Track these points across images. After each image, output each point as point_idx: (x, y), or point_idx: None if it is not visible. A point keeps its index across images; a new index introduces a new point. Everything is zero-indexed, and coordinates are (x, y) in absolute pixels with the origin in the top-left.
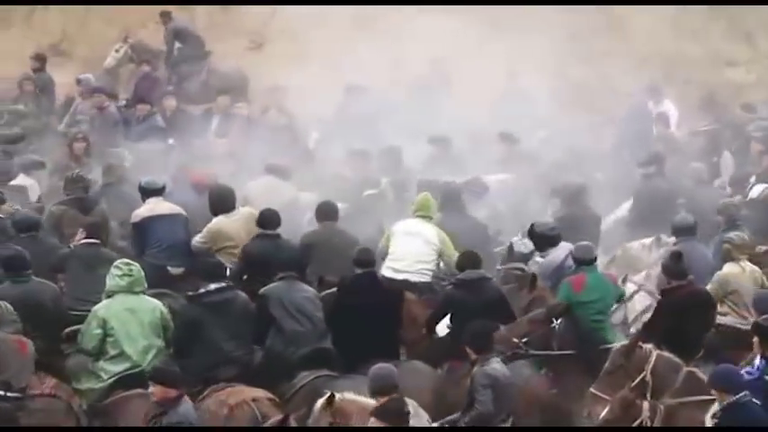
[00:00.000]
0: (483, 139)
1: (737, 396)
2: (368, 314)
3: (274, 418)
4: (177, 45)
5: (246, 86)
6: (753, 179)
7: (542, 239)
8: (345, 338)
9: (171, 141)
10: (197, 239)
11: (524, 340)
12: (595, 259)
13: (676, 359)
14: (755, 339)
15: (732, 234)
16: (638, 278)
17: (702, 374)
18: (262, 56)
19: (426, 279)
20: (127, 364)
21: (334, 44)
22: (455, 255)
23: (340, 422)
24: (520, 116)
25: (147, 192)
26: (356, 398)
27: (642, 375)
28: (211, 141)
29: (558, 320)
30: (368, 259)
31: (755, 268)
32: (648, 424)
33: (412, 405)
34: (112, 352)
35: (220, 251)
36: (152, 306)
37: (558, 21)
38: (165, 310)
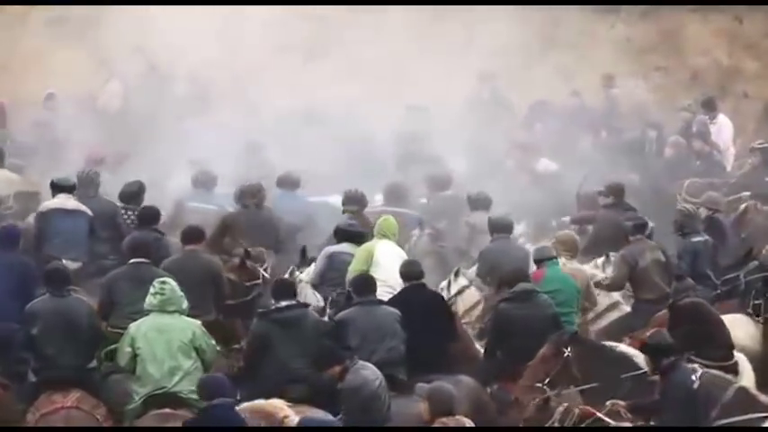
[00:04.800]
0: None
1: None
2: (416, 327)
3: None
4: None
5: None
6: None
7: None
8: None
9: None
10: None
11: (547, 381)
12: (554, 256)
13: (724, 376)
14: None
15: (559, 232)
16: (470, 273)
17: (754, 391)
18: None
19: None
20: (151, 386)
21: (388, 59)
22: None
23: None
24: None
25: (58, 188)
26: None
27: None
28: None
29: (569, 348)
30: (415, 271)
31: (580, 268)
32: None
33: (469, 424)
34: (139, 372)
35: None
36: (184, 326)
37: (611, 34)
38: (200, 331)
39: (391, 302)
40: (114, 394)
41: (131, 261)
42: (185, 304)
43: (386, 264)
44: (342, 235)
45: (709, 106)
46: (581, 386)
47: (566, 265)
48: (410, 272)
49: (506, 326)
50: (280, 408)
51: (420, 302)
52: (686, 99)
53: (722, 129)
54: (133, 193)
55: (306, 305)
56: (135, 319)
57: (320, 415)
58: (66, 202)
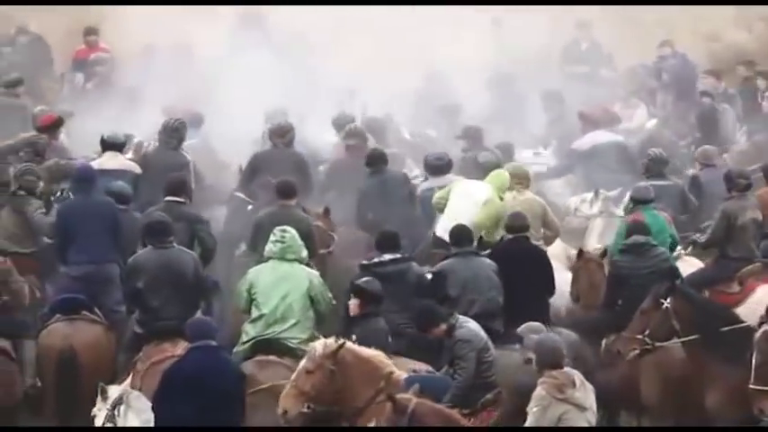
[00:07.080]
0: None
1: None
2: (518, 279)
3: None
4: None
5: None
6: None
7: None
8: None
9: None
10: None
11: (647, 333)
12: (653, 200)
13: None
14: None
15: (509, 164)
16: None
17: None
18: None
19: None
20: (262, 329)
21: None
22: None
23: (337, 370)
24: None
25: (106, 145)
26: (362, 351)
27: None
28: None
29: (668, 299)
30: (521, 224)
31: (533, 197)
32: None
33: (578, 377)
34: (254, 315)
35: None
36: (302, 275)
37: None
38: (317, 281)
39: (493, 254)
40: None
41: (165, 199)
42: (305, 253)
43: (450, 203)
44: (425, 167)
45: None
46: (682, 338)
47: (516, 197)
48: (514, 224)
49: (621, 278)
50: (386, 363)
51: (522, 255)
52: None
53: None
54: (179, 126)
55: (410, 258)
56: None
57: (425, 369)
58: (107, 161)
